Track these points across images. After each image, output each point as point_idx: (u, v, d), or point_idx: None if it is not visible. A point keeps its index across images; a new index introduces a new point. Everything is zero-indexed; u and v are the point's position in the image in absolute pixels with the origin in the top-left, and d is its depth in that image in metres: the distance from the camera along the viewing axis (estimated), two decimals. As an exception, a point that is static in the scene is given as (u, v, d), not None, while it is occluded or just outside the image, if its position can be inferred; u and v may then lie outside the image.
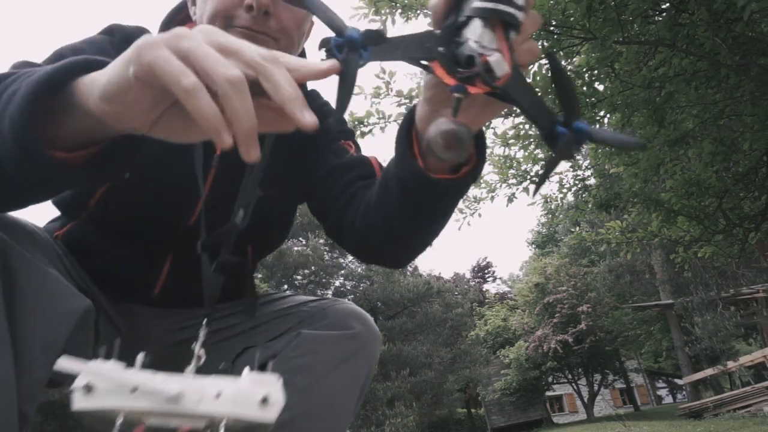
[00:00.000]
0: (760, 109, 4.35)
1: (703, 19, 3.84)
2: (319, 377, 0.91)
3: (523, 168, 5.85)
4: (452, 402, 20.10)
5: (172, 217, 0.95)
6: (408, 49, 0.52)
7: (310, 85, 1.18)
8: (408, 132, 0.72)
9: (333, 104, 1.05)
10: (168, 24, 1.02)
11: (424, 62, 0.54)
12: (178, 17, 1.03)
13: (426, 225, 0.82)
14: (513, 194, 5.80)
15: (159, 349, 1.00)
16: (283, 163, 1.01)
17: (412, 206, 0.78)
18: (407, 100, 4.68)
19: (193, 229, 0.94)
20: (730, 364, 14.40)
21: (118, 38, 0.95)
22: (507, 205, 5.91)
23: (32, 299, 0.68)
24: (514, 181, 5.95)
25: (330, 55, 0.50)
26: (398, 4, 3.94)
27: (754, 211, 5.59)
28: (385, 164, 0.92)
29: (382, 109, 4.61)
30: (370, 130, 4.52)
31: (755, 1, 3.01)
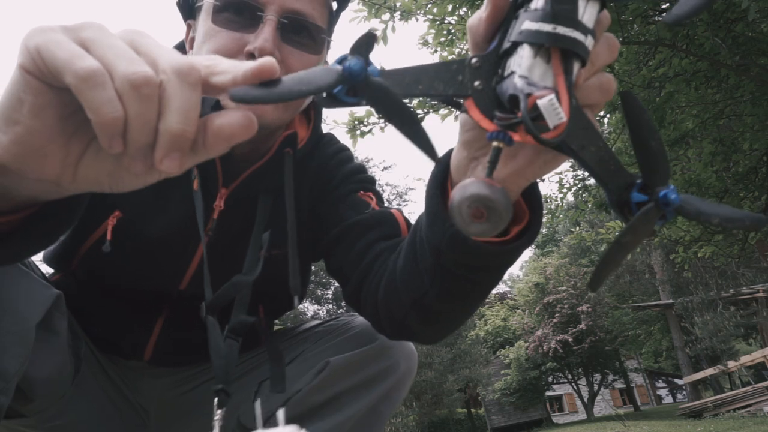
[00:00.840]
0: (760, 109, 4.35)
1: (703, 19, 3.84)
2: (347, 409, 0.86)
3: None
4: (452, 402, 20.09)
5: (159, 283, 0.91)
6: (434, 82, 0.39)
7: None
8: (442, 184, 0.57)
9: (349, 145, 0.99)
10: None
11: (457, 99, 0.42)
12: None
13: (466, 302, 0.68)
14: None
15: (164, 401, 0.98)
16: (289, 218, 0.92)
17: (449, 278, 0.63)
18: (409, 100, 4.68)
19: (184, 294, 0.91)
20: (730, 364, 14.39)
21: None
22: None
23: (5, 294, 0.67)
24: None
25: (333, 103, 0.38)
26: (397, 11, 3.94)
27: (754, 211, 5.59)
28: (412, 220, 0.75)
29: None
30: (370, 130, 4.52)
31: (756, 1, 3.01)
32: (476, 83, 0.40)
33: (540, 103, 0.36)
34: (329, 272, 0.93)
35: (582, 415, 24.03)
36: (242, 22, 0.77)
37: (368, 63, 0.37)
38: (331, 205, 0.92)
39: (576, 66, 0.39)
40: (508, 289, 28.11)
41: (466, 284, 0.63)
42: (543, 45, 0.37)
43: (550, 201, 6.60)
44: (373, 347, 0.89)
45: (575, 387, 22.43)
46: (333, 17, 0.89)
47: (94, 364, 0.93)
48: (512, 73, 0.38)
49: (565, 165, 6.24)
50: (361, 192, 0.92)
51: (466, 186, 0.38)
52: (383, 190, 21.12)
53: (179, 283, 0.91)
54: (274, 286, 0.87)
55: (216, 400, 0.73)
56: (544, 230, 31.59)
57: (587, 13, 0.38)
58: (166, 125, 0.36)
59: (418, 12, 3.98)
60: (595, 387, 22.24)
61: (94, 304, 0.94)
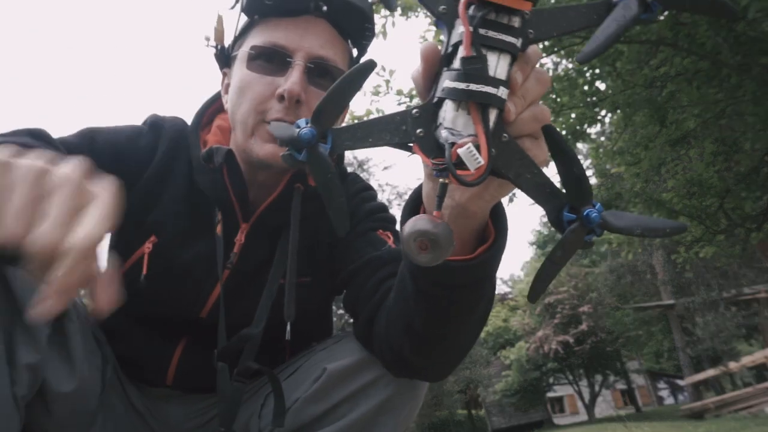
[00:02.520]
0: (761, 108, 4.33)
1: (704, 18, 3.82)
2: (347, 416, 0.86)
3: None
4: (452, 403, 20.09)
5: (182, 309, 0.96)
6: (382, 133, 0.45)
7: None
8: (415, 211, 0.63)
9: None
10: (201, 114, 1.03)
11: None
12: (212, 108, 1.04)
13: (449, 326, 0.71)
14: (514, 194, 5.79)
15: None
16: (311, 253, 0.98)
17: (429, 300, 0.68)
18: (407, 99, 4.67)
19: (205, 322, 0.95)
20: (732, 364, 14.37)
21: (148, 125, 0.99)
22: (508, 205, 5.90)
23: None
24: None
25: (290, 160, 0.44)
26: (399, 4, 3.93)
27: (755, 211, 5.56)
28: None
29: (381, 107, 4.61)
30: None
31: (757, 0, 2.99)
32: (418, 131, 0.45)
33: (460, 152, 0.42)
34: (344, 306, 0.96)
35: (583, 417, 24.00)
36: (273, 68, 0.88)
37: (322, 133, 0.44)
38: (351, 240, 0.97)
39: (494, 113, 0.44)
40: (509, 289, 28.10)
41: (446, 304, 0.67)
42: (461, 100, 0.43)
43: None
44: (370, 354, 0.88)
45: (576, 388, 22.41)
46: (353, 61, 1.00)
47: (120, 392, 0.96)
48: (441, 124, 0.44)
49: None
50: (381, 231, 0.97)
51: (414, 222, 0.44)
52: (383, 190, 21.11)
53: (200, 311, 0.96)
54: (296, 318, 0.92)
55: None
56: (545, 230, 31.58)
57: (499, 67, 0.44)
58: (58, 282, 0.45)
59: (419, 9, 3.96)
60: (597, 388, 22.22)
61: (120, 328, 0.98)
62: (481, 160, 0.42)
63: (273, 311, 0.92)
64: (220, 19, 0.97)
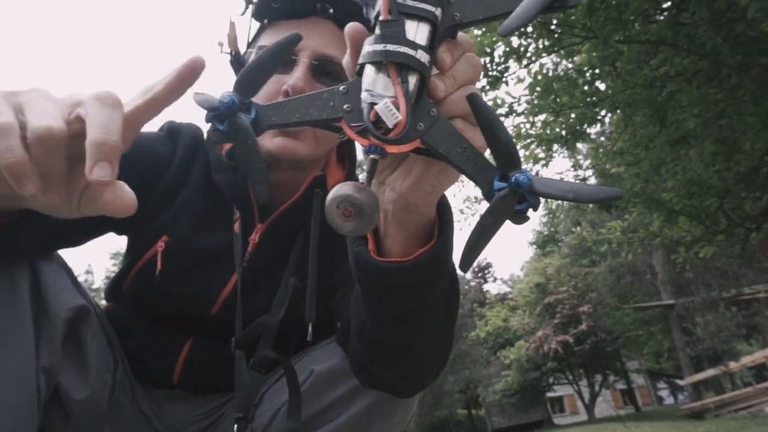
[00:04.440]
0: (761, 108, 4.33)
1: (704, 18, 3.83)
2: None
3: (523, 167, 5.81)
4: (452, 403, 20.10)
5: (193, 307, 0.97)
6: (309, 109, 0.46)
7: None
8: None
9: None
10: None
11: (335, 123, 0.47)
12: None
13: (399, 333, 0.68)
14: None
15: None
16: (325, 259, 0.99)
17: (371, 305, 0.67)
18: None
19: (214, 320, 0.96)
20: (732, 364, 14.38)
21: (165, 131, 1.02)
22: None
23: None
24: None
25: (212, 132, 0.45)
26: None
27: (755, 211, 5.57)
28: None
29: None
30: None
31: (757, 0, 2.99)
32: (345, 106, 0.46)
33: (377, 108, 0.43)
34: (333, 308, 0.98)
35: (583, 416, 24.01)
36: (281, 66, 0.90)
37: (244, 101, 0.45)
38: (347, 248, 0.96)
39: (413, 76, 0.45)
40: (508, 289, 28.11)
41: (388, 309, 0.66)
42: (380, 62, 0.45)
43: (551, 201, 6.59)
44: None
45: (576, 388, 22.41)
46: None
47: (129, 394, 0.96)
48: (363, 90, 0.45)
49: (566, 165, 6.24)
50: None
51: (338, 187, 0.45)
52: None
53: (211, 309, 0.97)
54: (302, 318, 0.94)
55: (236, 426, 0.82)
56: (544, 230, 31.58)
57: (418, 33, 0.46)
58: (90, 138, 0.44)
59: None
60: (596, 388, 22.22)
61: (132, 325, 1.00)
62: (399, 116, 0.43)
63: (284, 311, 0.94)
64: (232, 26, 1.00)
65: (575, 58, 4.58)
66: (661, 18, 4.27)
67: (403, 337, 0.69)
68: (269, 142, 0.91)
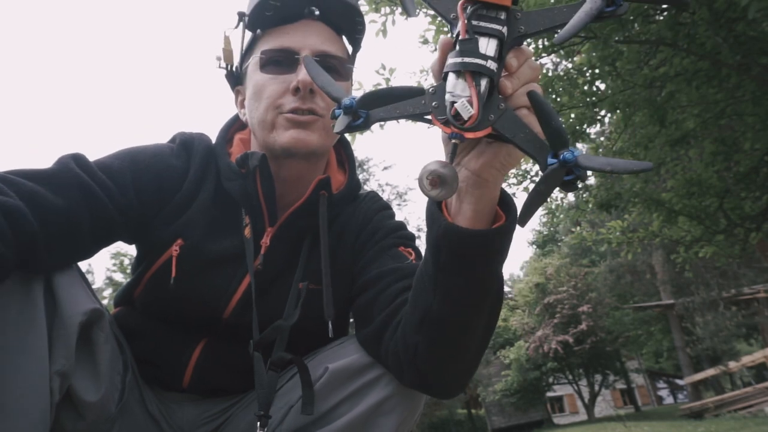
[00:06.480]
0: (761, 108, 4.34)
1: (704, 18, 3.83)
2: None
3: (523, 168, 5.83)
4: (452, 403, 20.08)
5: (206, 310, 0.99)
6: (406, 106, 0.60)
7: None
8: (438, 204, 0.72)
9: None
10: (226, 131, 1.09)
11: (426, 117, 0.60)
12: (234, 127, 1.11)
13: (466, 312, 0.74)
14: (513, 194, 5.78)
15: None
16: (332, 259, 1.01)
17: (447, 277, 0.71)
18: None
19: (226, 322, 0.99)
20: (731, 364, 14.38)
21: (178, 143, 1.04)
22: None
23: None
24: (514, 180, 5.94)
25: (335, 116, 0.59)
26: (398, 5, 3.93)
27: (755, 211, 5.57)
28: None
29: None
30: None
31: (757, 0, 2.99)
32: (434, 104, 0.59)
33: (456, 105, 0.56)
34: (354, 310, 1.00)
35: (583, 416, 24.03)
36: (284, 67, 0.98)
37: (357, 109, 0.60)
38: (374, 253, 1.02)
39: (484, 80, 0.57)
40: (508, 289, 28.10)
41: (462, 282, 0.72)
42: (458, 70, 0.58)
43: (551, 201, 6.59)
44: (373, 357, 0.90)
45: (576, 388, 22.43)
46: (351, 55, 1.11)
47: (138, 396, 0.98)
48: (447, 92, 0.58)
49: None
50: (402, 247, 1.03)
51: (427, 165, 0.58)
52: (383, 191, 21.10)
53: (223, 312, 0.99)
54: (312, 322, 0.97)
55: (258, 423, 0.87)
56: (544, 230, 31.58)
57: (489, 47, 0.58)
58: None
59: (419, 7, 3.96)
60: (596, 388, 22.24)
61: (144, 328, 1.02)
62: (472, 111, 0.55)
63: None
64: (227, 40, 1.05)
65: (575, 58, 4.57)
66: (661, 18, 4.27)
67: (468, 312, 0.75)
68: (281, 136, 0.95)
